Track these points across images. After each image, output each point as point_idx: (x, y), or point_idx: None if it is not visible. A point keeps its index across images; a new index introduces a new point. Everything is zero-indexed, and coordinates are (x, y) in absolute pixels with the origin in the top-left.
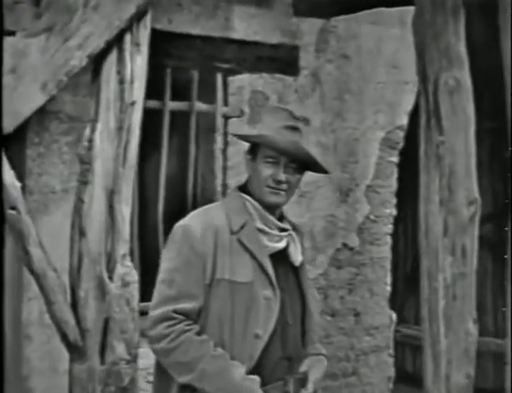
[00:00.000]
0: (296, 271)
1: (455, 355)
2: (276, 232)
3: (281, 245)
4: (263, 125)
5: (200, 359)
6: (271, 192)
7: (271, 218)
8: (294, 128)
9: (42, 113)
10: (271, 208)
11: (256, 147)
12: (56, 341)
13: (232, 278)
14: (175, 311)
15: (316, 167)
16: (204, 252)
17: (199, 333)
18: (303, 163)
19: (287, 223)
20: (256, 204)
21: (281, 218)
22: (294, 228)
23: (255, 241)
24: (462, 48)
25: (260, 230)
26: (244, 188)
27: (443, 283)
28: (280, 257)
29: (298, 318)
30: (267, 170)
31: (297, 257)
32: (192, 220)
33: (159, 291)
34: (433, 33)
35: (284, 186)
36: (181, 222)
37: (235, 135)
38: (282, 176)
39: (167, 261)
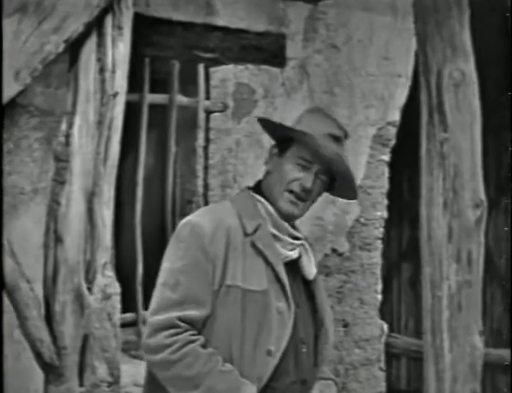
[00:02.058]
0: (308, 285)
1: (461, 371)
2: (289, 239)
3: (294, 254)
4: (302, 126)
5: (207, 375)
6: (289, 200)
7: (285, 224)
8: (338, 139)
9: (10, 106)
10: (285, 218)
11: (288, 143)
12: (26, 358)
13: (245, 286)
14: (180, 318)
15: (346, 189)
16: (214, 253)
17: (204, 346)
18: (331, 180)
19: (300, 232)
20: (269, 207)
21: (293, 225)
22: (306, 239)
23: (270, 246)
24: (467, 38)
25: (273, 235)
26: (255, 189)
27: (447, 292)
28: (292, 268)
29: (311, 337)
30: (295, 172)
31: (310, 270)
32: (202, 217)
33: (160, 294)
34: (435, 20)
35: (307, 196)
36: (189, 218)
37: (268, 122)
38: (310, 184)
39: (171, 261)
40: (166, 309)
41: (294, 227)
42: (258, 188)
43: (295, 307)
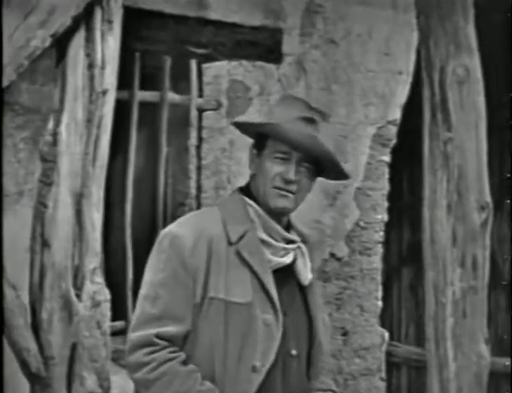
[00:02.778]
0: (304, 291)
1: (466, 381)
2: (281, 244)
3: (287, 260)
4: (273, 116)
5: None
6: (277, 195)
7: (277, 227)
8: (311, 120)
9: None
10: (277, 215)
11: (263, 140)
12: (11, 368)
13: (228, 298)
14: (157, 335)
15: (333, 170)
16: (195, 266)
17: (185, 362)
18: (318, 165)
19: (295, 234)
20: (260, 210)
21: (288, 227)
22: (303, 239)
23: (257, 254)
24: (471, 32)
25: (263, 241)
26: (246, 191)
27: (452, 298)
28: (286, 274)
29: (305, 349)
30: (275, 167)
31: (306, 275)
32: (182, 227)
33: (140, 308)
34: (438, 14)
35: (293, 187)
36: (169, 228)
37: (237, 123)
38: (292, 175)
39: (152, 273)
40: (145, 324)
41: (289, 228)
42: (248, 191)
43: (284, 317)
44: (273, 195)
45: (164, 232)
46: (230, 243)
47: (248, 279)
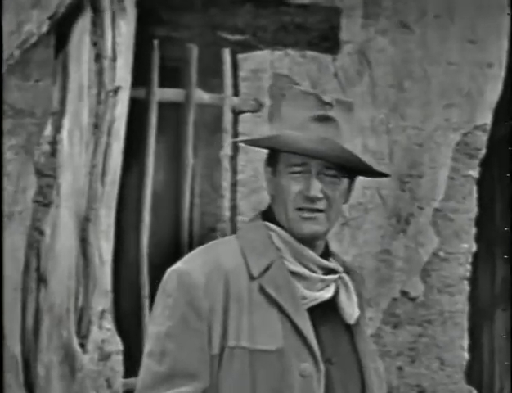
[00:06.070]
0: (351, 331)
1: None
2: (318, 275)
3: (327, 294)
4: (282, 121)
5: None
6: (302, 219)
7: (312, 254)
8: (325, 119)
9: None
10: (308, 241)
11: (276, 156)
12: None
13: (253, 345)
14: None
15: (365, 172)
16: (209, 309)
17: None
18: (347, 168)
19: (335, 262)
20: (286, 235)
21: (326, 253)
22: (347, 269)
23: (286, 289)
24: None
25: (294, 273)
26: (268, 215)
27: None
28: (326, 311)
29: None
30: (293, 185)
31: (352, 311)
32: (192, 262)
33: (146, 368)
34: None
35: (320, 204)
36: (178, 265)
37: (243, 142)
38: (316, 189)
39: (156, 323)
40: (152, 387)
41: (327, 254)
42: (271, 213)
43: (329, 365)
44: (297, 219)
45: (170, 271)
46: (252, 278)
47: (277, 321)
